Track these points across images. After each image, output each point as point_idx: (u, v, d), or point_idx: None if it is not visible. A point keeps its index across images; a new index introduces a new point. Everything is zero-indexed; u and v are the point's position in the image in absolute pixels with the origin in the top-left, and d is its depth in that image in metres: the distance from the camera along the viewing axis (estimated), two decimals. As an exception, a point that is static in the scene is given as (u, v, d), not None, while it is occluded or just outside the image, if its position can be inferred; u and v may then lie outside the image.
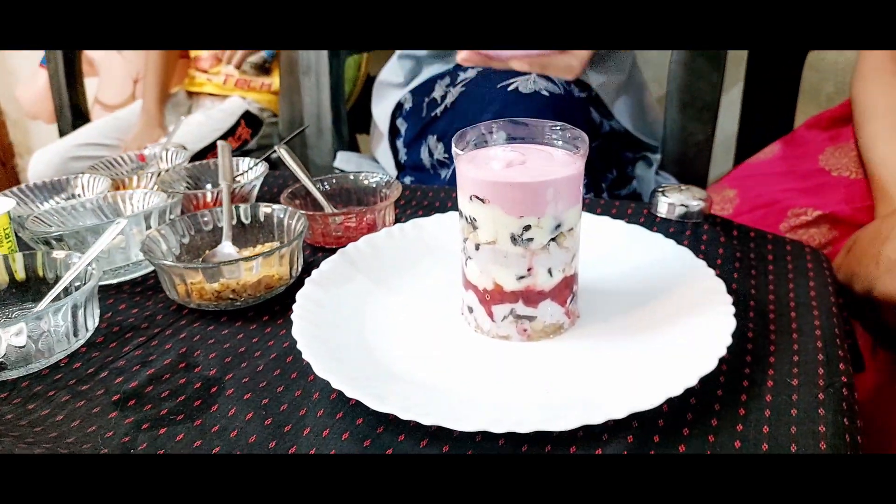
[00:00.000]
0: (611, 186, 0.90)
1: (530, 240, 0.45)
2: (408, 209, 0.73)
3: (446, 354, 0.47)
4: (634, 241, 0.57)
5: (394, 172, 1.08)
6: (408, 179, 1.03)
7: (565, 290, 0.48)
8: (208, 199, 0.69)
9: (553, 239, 0.45)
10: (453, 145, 0.46)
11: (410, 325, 0.51)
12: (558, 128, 0.48)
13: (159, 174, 0.74)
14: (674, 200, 0.62)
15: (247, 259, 0.52)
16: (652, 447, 0.38)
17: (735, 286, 0.53)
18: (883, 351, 0.71)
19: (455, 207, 0.64)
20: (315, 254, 0.65)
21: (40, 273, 0.55)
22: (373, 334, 0.49)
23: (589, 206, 0.66)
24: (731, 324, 0.44)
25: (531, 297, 0.47)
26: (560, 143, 0.47)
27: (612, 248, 0.57)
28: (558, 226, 0.45)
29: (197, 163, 0.77)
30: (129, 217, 0.58)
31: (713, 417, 0.40)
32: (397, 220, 0.70)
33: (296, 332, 0.47)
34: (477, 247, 0.47)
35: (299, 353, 0.45)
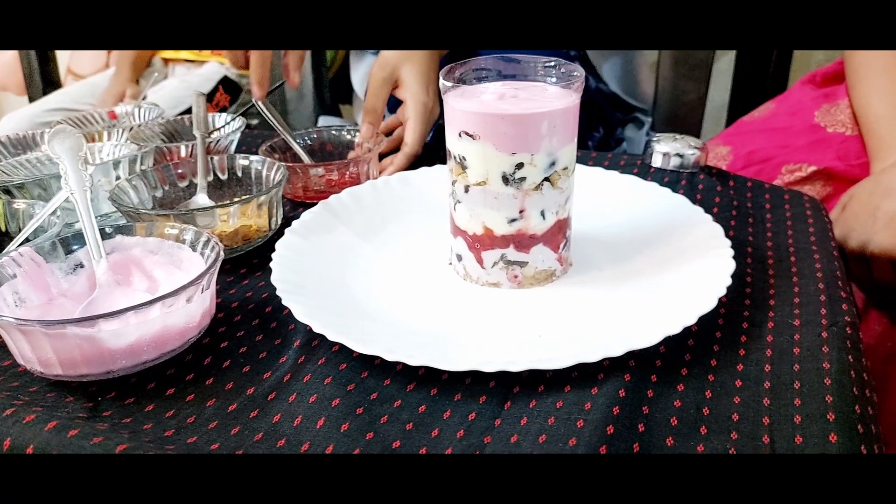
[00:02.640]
0: (598, 147, 0.88)
1: (523, 179, 0.43)
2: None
3: (434, 301, 0.45)
4: (628, 190, 0.55)
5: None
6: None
7: (558, 234, 0.46)
8: (183, 153, 0.66)
9: (547, 178, 0.43)
10: (441, 78, 0.44)
11: (396, 274, 0.48)
12: (552, 64, 0.45)
13: (131, 129, 0.70)
14: (668, 150, 0.60)
15: (223, 206, 0.50)
16: (650, 387, 0.36)
17: (732, 233, 0.51)
18: (875, 311, 0.70)
19: (442, 162, 0.62)
20: (295, 209, 0.62)
21: (2, 226, 0.52)
22: (356, 283, 0.47)
23: (580, 158, 0.64)
24: (731, 265, 0.43)
25: (523, 242, 0.45)
26: (554, 79, 0.45)
27: (605, 198, 0.55)
28: (553, 164, 0.43)
29: (172, 118, 0.74)
30: (97, 165, 0.54)
31: (712, 358, 0.38)
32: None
33: (275, 278, 0.44)
34: (466, 189, 0.45)
35: (278, 302, 0.43)
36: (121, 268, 0.45)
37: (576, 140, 0.44)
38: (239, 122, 0.70)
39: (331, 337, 0.38)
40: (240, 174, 0.60)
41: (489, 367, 0.35)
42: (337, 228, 0.53)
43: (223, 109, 1.32)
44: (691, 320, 0.38)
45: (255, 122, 1.27)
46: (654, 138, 0.61)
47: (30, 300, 0.42)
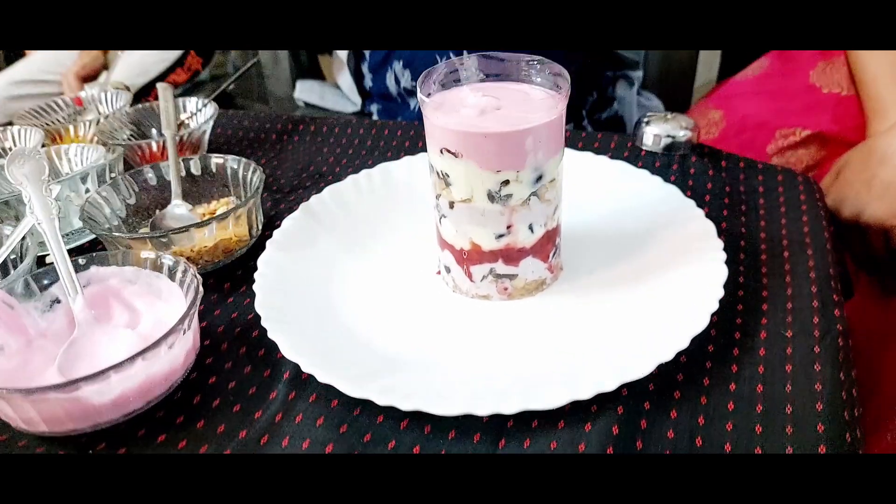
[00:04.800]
0: (591, 110, 0.85)
1: (509, 196, 0.41)
2: (375, 150, 0.68)
3: (424, 318, 0.44)
4: (619, 179, 0.54)
5: (358, 100, 1.01)
6: (374, 108, 0.96)
7: (547, 244, 0.44)
8: (154, 149, 0.63)
9: (534, 193, 0.41)
10: (418, 90, 0.41)
11: (383, 288, 0.47)
12: (536, 63, 0.43)
13: (98, 122, 0.67)
14: (659, 131, 0.57)
15: (198, 225, 0.48)
16: (643, 416, 0.36)
17: (724, 224, 0.50)
18: (867, 287, 0.69)
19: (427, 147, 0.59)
20: (277, 205, 0.60)
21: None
22: (343, 301, 0.46)
23: (570, 141, 0.62)
24: (723, 273, 0.42)
25: (511, 256, 0.44)
26: (539, 80, 0.42)
27: (596, 189, 0.53)
28: (539, 178, 0.41)
29: (139, 106, 0.70)
30: (64, 180, 0.52)
31: (705, 377, 0.38)
32: (364, 163, 0.65)
33: (259, 305, 0.43)
34: (451, 205, 0.43)
35: (265, 326, 0.42)
36: (99, 301, 0.44)
37: (563, 149, 0.42)
38: (212, 110, 0.67)
39: (321, 378, 0.37)
40: (214, 172, 0.57)
41: (481, 410, 0.35)
42: (320, 236, 0.51)
43: (196, 73, 1.26)
44: (684, 343, 0.37)
45: (230, 87, 1.22)
46: (645, 119, 0.59)
47: (8, 346, 0.41)
